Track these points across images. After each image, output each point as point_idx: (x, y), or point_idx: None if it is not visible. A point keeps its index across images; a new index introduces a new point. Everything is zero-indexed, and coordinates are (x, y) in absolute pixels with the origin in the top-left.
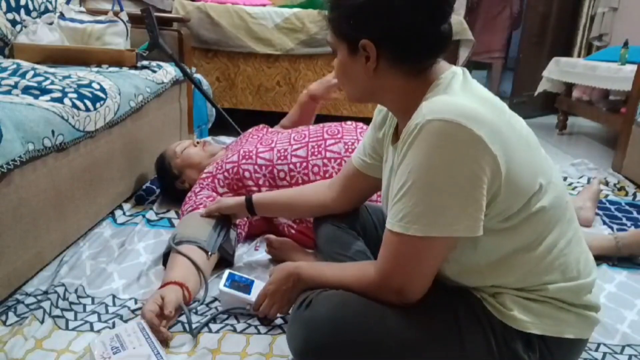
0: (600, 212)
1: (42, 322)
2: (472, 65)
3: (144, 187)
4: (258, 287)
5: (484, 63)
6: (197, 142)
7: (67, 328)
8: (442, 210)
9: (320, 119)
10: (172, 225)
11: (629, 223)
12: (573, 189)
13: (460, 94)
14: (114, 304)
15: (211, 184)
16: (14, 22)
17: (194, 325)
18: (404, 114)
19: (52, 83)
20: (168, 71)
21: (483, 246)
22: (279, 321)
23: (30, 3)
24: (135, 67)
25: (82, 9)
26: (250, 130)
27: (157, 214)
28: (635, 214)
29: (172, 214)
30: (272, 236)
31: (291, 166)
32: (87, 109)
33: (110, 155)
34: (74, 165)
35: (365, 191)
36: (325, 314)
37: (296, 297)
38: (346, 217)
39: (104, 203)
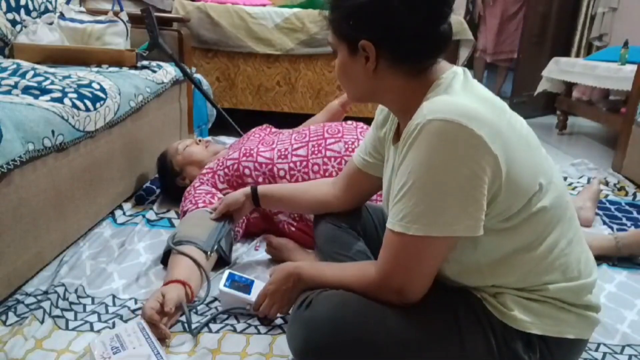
0: (600, 212)
1: (42, 322)
2: (485, 67)
3: (144, 187)
4: (258, 287)
5: (490, 63)
6: (199, 141)
7: (67, 328)
8: (442, 210)
9: None
10: (172, 225)
11: (629, 223)
12: (573, 189)
13: (461, 94)
14: (114, 304)
15: (211, 179)
16: (14, 22)
17: (193, 325)
18: (404, 114)
19: (52, 83)
20: (168, 71)
21: (483, 246)
22: (279, 321)
23: (30, 3)
24: (135, 67)
25: (82, 9)
26: (253, 129)
27: (157, 214)
28: (635, 214)
29: (172, 214)
30: (272, 236)
31: (291, 165)
32: (87, 109)
33: (110, 155)
34: (74, 165)
35: (367, 190)
36: (325, 314)
37: (296, 297)
38: (346, 217)
39: (104, 203)
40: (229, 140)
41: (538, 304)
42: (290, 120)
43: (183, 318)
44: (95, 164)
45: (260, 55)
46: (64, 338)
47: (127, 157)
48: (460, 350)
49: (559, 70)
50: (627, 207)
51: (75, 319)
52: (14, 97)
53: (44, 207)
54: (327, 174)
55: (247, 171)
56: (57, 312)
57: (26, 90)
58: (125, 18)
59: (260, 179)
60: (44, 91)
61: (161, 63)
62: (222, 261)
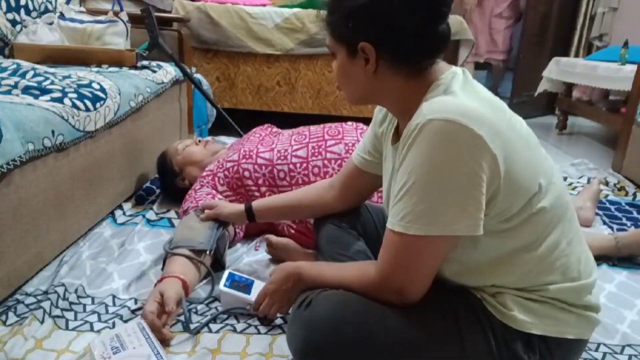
0: (600, 212)
1: (42, 322)
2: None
3: (144, 187)
4: (258, 287)
5: (483, 63)
6: (199, 141)
7: (67, 328)
8: (442, 209)
9: (321, 119)
10: (172, 225)
11: (629, 223)
12: (573, 189)
13: (460, 94)
14: (114, 304)
15: (211, 182)
16: (14, 22)
17: (193, 326)
18: (404, 115)
19: (52, 83)
20: (168, 71)
21: (484, 246)
22: (279, 321)
23: (30, 3)
24: (135, 67)
25: (82, 9)
26: (254, 129)
27: (157, 214)
28: (635, 214)
29: (172, 214)
30: (272, 236)
31: (291, 166)
32: (87, 109)
33: (110, 155)
34: (74, 165)
35: (366, 189)
36: (325, 314)
37: (296, 297)
38: (347, 217)
39: (104, 203)
40: (229, 140)
41: (538, 304)
42: (290, 120)
43: (182, 317)
44: (95, 164)
45: (260, 55)
46: (64, 338)
47: (127, 157)
48: (460, 350)
49: (560, 70)
50: (627, 207)
51: (75, 319)
52: (14, 97)
53: (44, 207)
54: (327, 176)
55: (246, 173)
56: (57, 312)
57: (26, 90)
58: (125, 18)
59: (260, 181)
60: (44, 91)
61: (161, 63)
62: (217, 265)
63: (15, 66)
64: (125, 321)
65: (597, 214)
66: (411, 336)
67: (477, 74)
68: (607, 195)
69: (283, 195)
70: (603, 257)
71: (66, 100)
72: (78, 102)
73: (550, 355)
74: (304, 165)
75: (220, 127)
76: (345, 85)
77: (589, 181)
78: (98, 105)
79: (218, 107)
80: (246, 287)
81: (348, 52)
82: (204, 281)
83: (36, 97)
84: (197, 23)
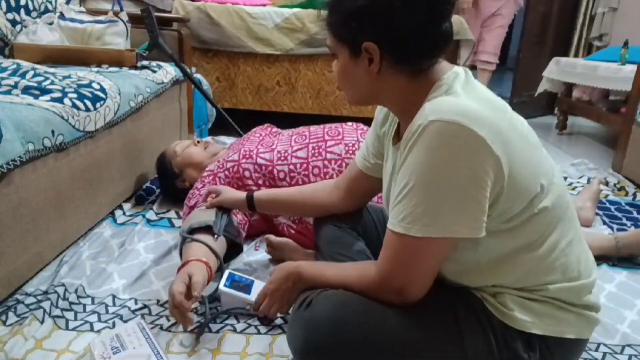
0: (600, 212)
1: (42, 322)
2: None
3: (144, 187)
4: (258, 287)
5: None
6: (198, 142)
7: (67, 328)
8: (443, 211)
9: (321, 119)
10: (172, 225)
11: (629, 223)
12: (573, 189)
13: (462, 95)
14: (114, 304)
15: (212, 182)
16: (14, 22)
17: (193, 326)
18: (405, 115)
19: (52, 83)
20: (168, 71)
21: (485, 246)
22: (279, 321)
23: (30, 3)
24: (135, 67)
25: (82, 9)
26: (254, 129)
27: (157, 214)
28: (635, 214)
29: (172, 214)
30: (272, 236)
31: (291, 167)
32: (87, 109)
33: (110, 155)
34: (74, 165)
35: (370, 192)
36: (325, 314)
37: (296, 296)
38: (347, 217)
39: (104, 203)
40: (229, 140)
41: (538, 304)
42: (290, 120)
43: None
44: (95, 164)
45: (260, 55)
46: (64, 338)
47: (127, 157)
48: (460, 350)
49: (560, 70)
50: (627, 207)
51: (75, 319)
52: (14, 97)
53: (44, 207)
54: (327, 177)
55: (247, 173)
56: (57, 312)
57: (26, 90)
58: (125, 18)
59: (260, 181)
60: (44, 91)
61: (161, 63)
62: (235, 248)
63: (15, 66)
64: (125, 321)
65: (597, 214)
66: (411, 336)
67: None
68: (607, 195)
69: (286, 190)
70: (603, 257)
71: (66, 100)
72: (78, 102)
73: (550, 354)
74: (304, 165)
75: (220, 127)
76: (346, 85)
77: (589, 181)
78: (98, 105)
79: (218, 107)
80: (246, 287)
81: (351, 53)
82: None
83: (36, 97)
84: (197, 23)
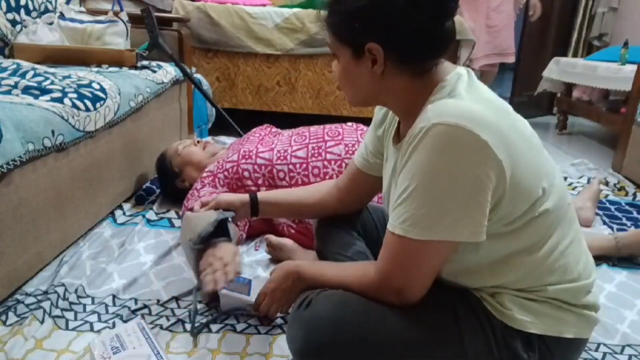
0: (600, 212)
1: (42, 322)
2: None
3: (144, 187)
4: (257, 286)
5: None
6: (198, 142)
7: (67, 328)
8: (444, 214)
9: (321, 119)
10: (172, 225)
11: (629, 223)
12: (573, 189)
13: (465, 97)
14: (114, 304)
15: (212, 182)
16: (14, 22)
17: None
18: (407, 116)
19: (52, 83)
20: (168, 71)
21: (485, 249)
22: (279, 321)
23: (30, 3)
24: (135, 67)
25: (82, 9)
26: (254, 129)
27: (157, 214)
28: (635, 214)
29: (172, 214)
30: (272, 236)
31: (290, 167)
32: (87, 109)
33: (110, 155)
34: (74, 165)
35: (369, 191)
36: (325, 314)
37: (296, 296)
38: (347, 217)
39: (104, 203)
40: (229, 140)
41: (537, 304)
42: (290, 120)
43: (184, 316)
44: (95, 164)
45: (260, 55)
46: (64, 338)
47: (127, 157)
48: (460, 350)
49: (560, 70)
50: (627, 207)
51: (75, 319)
52: (14, 97)
53: (44, 207)
54: (327, 177)
55: (246, 173)
56: (57, 312)
57: (26, 90)
58: (125, 18)
59: (259, 181)
60: (44, 91)
61: (161, 63)
62: None
63: (15, 66)
64: (125, 321)
65: (597, 214)
66: (411, 336)
67: None
68: (607, 195)
69: (287, 192)
70: (603, 257)
71: (66, 100)
72: (78, 102)
73: (550, 354)
74: (304, 165)
75: (220, 127)
76: (348, 87)
77: (589, 181)
78: (98, 105)
79: (218, 107)
80: (245, 287)
81: (353, 54)
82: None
83: (36, 97)
84: (197, 23)
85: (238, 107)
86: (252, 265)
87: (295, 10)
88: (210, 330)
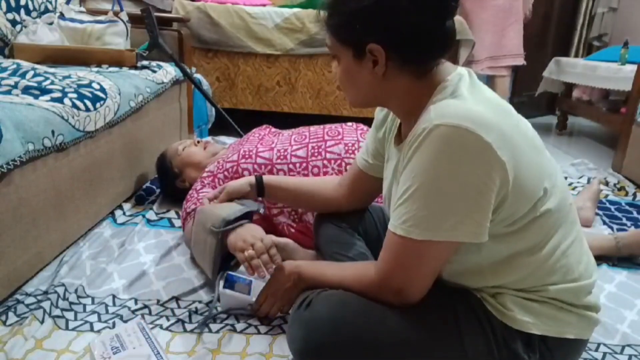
0: (600, 212)
1: (42, 322)
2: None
3: (144, 187)
4: (257, 286)
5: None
6: (198, 142)
7: (67, 328)
8: (445, 215)
9: (321, 119)
10: (172, 225)
11: (629, 223)
12: (573, 189)
13: (468, 98)
14: (114, 304)
15: (212, 183)
16: (14, 22)
17: (192, 326)
18: (408, 116)
19: (52, 83)
20: (168, 71)
21: (487, 249)
22: (279, 321)
23: (30, 3)
24: (135, 67)
25: (82, 9)
26: (253, 130)
27: (157, 214)
28: (635, 214)
29: (172, 214)
30: (272, 236)
31: (290, 166)
32: (87, 109)
33: (110, 155)
34: (74, 165)
35: (370, 192)
36: (325, 314)
37: (296, 296)
38: (347, 217)
39: (104, 203)
40: (228, 140)
41: (538, 304)
42: (290, 120)
43: (184, 316)
44: (95, 164)
45: (260, 55)
46: (64, 338)
47: (127, 157)
48: (460, 350)
49: (560, 70)
50: (627, 207)
51: (75, 319)
52: (14, 97)
53: (44, 207)
54: (326, 176)
55: (246, 173)
56: (57, 312)
57: (26, 90)
58: (125, 18)
59: None
60: (44, 91)
61: (161, 63)
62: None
63: (15, 66)
64: (125, 321)
65: (597, 214)
66: (411, 336)
67: None
68: (607, 195)
69: (295, 179)
70: (603, 257)
71: (66, 100)
72: (78, 102)
73: (550, 355)
74: (304, 165)
75: (220, 127)
76: (349, 88)
77: (589, 181)
78: (98, 105)
79: (218, 107)
80: (245, 287)
81: (354, 55)
82: (204, 280)
83: (36, 97)
84: (197, 23)
85: (238, 107)
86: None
87: (295, 10)
88: (210, 330)
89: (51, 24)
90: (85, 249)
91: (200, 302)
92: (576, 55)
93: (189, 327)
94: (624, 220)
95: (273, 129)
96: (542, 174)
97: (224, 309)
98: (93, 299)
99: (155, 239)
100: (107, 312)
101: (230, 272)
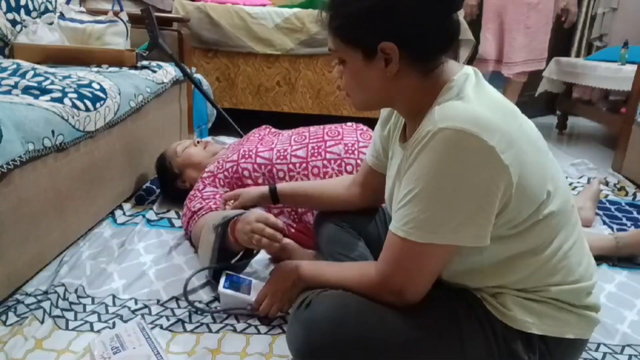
0: (600, 212)
1: (42, 322)
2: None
3: (144, 187)
4: (257, 286)
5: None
6: (198, 142)
7: (67, 328)
8: (448, 218)
9: (321, 119)
10: (172, 225)
11: (629, 223)
12: (573, 189)
13: (473, 100)
14: (114, 304)
15: (212, 183)
16: (14, 22)
17: (192, 326)
18: (413, 116)
19: (52, 83)
20: (168, 71)
21: (489, 251)
22: (279, 321)
23: (30, 3)
24: (135, 67)
25: (82, 9)
26: (253, 130)
27: (157, 214)
28: (635, 214)
29: (172, 214)
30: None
31: (290, 166)
32: (87, 109)
33: (110, 155)
34: (74, 165)
35: (383, 188)
36: (325, 314)
37: (296, 296)
38: (347, 217)
39: (104, 203)
40: (228, 140)
41: (538, 304)
42: (290, 120)
43: (179, 313)
44: (95, 164)
45: (260, 55)
46: (64, 338)
47: (127, 157)
48: (460, 350)
49: (560, 70)
50: (627, 207)
51: (75, 319)
52: (14, 97)
53: (44, 207)
54: (327, 176)
55: (246, 172)
56: (57, 312)
57: (26, 90)
58: (125, 18)
59: (259, 180)
60: (44, 91)
61: (161, 63)
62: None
63: (15, 66)
64: (125, 321)
65: (597, 214)
66: (411, 336)
67: None
68: (607, 195)
69: (308, 183)
70: (603, 257)
71: (66, 100)
72: (78, 102)
73: (550, 355)
74: (304, 165)
75: (220, 127)
76: (358, 91)
77: (589, 181)
78: (98, 105)
79: (218, 107)
80: (245, 287)
81: (364, 56)
82: (204, 280)
83: (36, 97)
84: (197, 23)
85: (238, 107)
86: (252, 265)
87: (295, 10)
88: (210, 330)
89: (51, 24)
90: (85, 249)
91: (200, 302)
92: (576, 55)
93: (189, 327)
94: (624, 220)
95: (273, 129)
96: (546, 177)
97: (223, 308)
98: (93, 299)
99: (155, 239)
100: (107, 312)
101: (229, 272)
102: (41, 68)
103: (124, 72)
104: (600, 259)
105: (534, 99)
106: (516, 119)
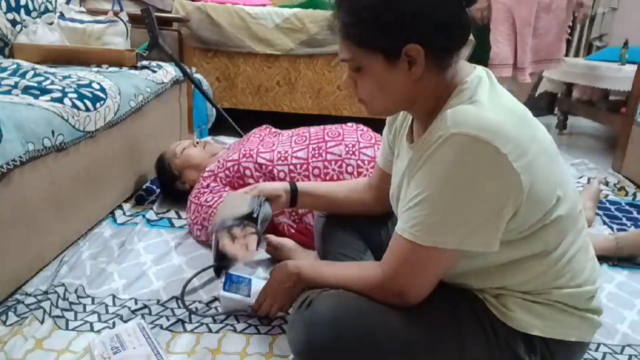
0: (600, 212)
1: (42, 322)
2: None
3: (144, 187)
4: (256, 285)
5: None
6: (198, 142)
7: (67, 328)
8: (455, 224)
9: (321, 119)
10: (172, 225)
11: (629, 223)
12: None
13: (486, 105)
14: (114, 304)
15: (213, 182)
16: (14, 22)
17: (193, 326)
18: (425, 117)
19: (52, 83)
20: (168, 71)
21: (496, 254)
22: (279, 321)
23: (30, 3)
24: (135, 67)
25: (82, 9)
26: (253, 130)
27: (157, 214)
28: (635, 214)
29: (172, 214)
30: (272, 236)
31: (291, 167)
32: (87, 109)
33: (110, 155)
34: (74, 165)
35: None
36: (325, 313)
37: (297, 296)
38: (350, 218)
39: (104, 203)
40: (229, 140)
41: (540, 306)
42: (290, 120)
43: (181, 313)
44: (95, 164)
45: (260, 55)
46: (64, 338)
47: (127, 157)
48: (461, 350)
49: (560, 70)
50: (627, 207)
51: (75, 319)
52: (14, 97)
53: (44, 207)
54: (327, 177)
55: (247, 172)
56: (57, 312)
57: (26, 90)
58: (125, 18)
59: (261, 180)
60: (44, 91)
61: (161, 63)
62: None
63: (15, 66)
64: (125, 321)
65: (597, 214)
66: (412, 336)
67: None
68: (607, 195)
69: (326, 185)
70: (603, 257)
71: (66, 100)
72: (78, 102)
73: (551, 356)
74: (304, 166)
75: (220, 127)
76: (378, 96)
77: (589, 181)
78: (98, 105)
79: (218, 107)
80: (245, 287)
81: (386, 60)
82: (204, 279)
83: (36, 97)
84: (197, 23)
85: (238, 107)
86: (252, 265)
87: (295, 10)
88: (210, 330)
89: (51, 24)
90: (85, 249)
91: (200, 302)
92: (576, 55)
93: (189, 327)
94: (624, 220)
95: (273, 129)
96: (556, 182)
97: (225, 310)
98: (93, 299)
99: (155, 239)
100: (107, 312)
101: (229, 272)
102: (41, 68)
103: (124, 72)
104: (600, 259)
105: (534, 99)
106: (530, 126)
